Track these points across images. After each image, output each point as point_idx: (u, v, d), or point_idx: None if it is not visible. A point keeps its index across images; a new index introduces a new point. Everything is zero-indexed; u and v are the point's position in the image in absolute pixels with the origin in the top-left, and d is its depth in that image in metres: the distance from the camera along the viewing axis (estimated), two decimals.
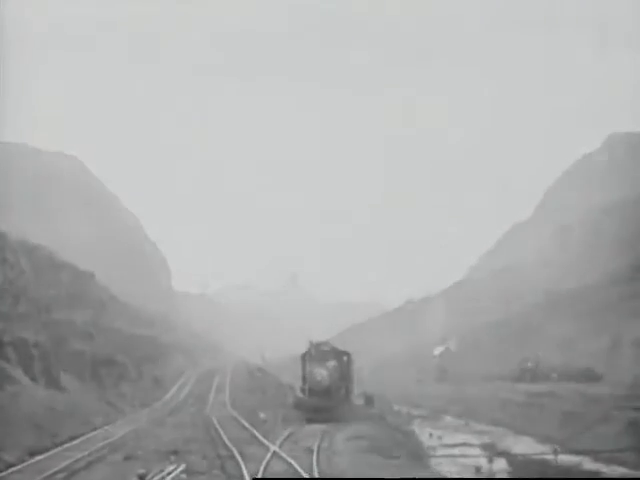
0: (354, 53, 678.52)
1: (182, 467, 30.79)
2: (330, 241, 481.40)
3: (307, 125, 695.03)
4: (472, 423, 64.41)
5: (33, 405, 44.22)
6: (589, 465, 40.67)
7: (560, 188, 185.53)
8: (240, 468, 30.07)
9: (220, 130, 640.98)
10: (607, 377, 72.01)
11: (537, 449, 47.38)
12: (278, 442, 38.67)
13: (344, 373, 56.22)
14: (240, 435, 42.11)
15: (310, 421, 50.58)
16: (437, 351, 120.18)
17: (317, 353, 55.47)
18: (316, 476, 28.52)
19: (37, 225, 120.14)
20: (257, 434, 42.34)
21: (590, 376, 73.14)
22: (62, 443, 38.68)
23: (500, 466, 39.38)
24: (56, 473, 30.00)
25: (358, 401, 65.30)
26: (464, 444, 48.74)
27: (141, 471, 29.17)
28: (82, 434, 42.62)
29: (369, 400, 66.54)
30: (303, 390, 55.77)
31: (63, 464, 31.72)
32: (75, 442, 39.71)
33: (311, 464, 30.95)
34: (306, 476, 28.03)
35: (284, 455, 33.17)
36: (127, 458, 34.27)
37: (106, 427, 47.73)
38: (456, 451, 44.38)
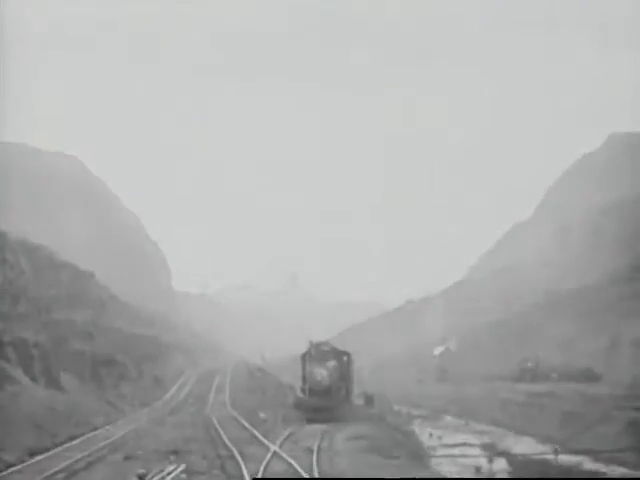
0: (354, 53, 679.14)
1: (182, 467, 30.79)
2: (330, 241, 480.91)
3: (307, 125, 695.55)
4: (472, 423, 64.42)
5: (33, 405, 44.20)
6: (589, 465, 40.68)
7: (560, 188, 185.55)
8: (240, 468, 30.06)
9: (220, 130, 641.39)
10: (606, 377, 72.04)
11: (537, 449, 47.39)
12: (278, 442, 38.66)
13: (344, 373, 56.20)
14: (240, 435, 42.11)
15: (310, 421, 50.57)
16: (437, 351, 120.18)
17: (317, 353, 55.46)
18: (316, 476, 28.53)
19: (37, 225, 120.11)
20: (257, 434, 42.33)
21: (590, 376, 73.16)
22: (62, 443, 38.67)
23: (500, 466, 39.38)
24: (56, 473, 29.99)
25: (358, 401, 65.30)
26: (464, 444, 48.74)
27: (141, 471, 29.17)
28: (82, 434, 42.61)
29: (369, 400, 66.53)
30: (303, 390, 55.77)
31: (63, 464, 31.71)
32: (75, 442, 39.71)
33: (311, 464, 30.93)
34: (306, 476, 28.03)
35: (284, 455, 33.16)
36: (127, 458, 34.26)
37: (106, 427, 47.72)
38: (456, 451, 44.39)
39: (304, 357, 56.19)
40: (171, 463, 32.02)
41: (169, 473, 29.56)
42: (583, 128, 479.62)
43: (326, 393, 53.39)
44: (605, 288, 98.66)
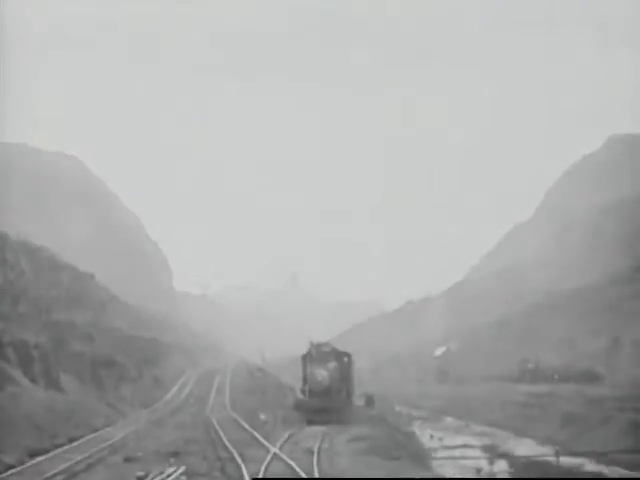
0: (354, 53, 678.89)
1: (182, 469, 30.71)
2: (330, 241, 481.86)
3: (307, 125, 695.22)
4: (473, 424, 64.31)
5: (33, 406, 44.11)
6: (590, 467, 40.60)
7: (560, 189, 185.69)
8: (240, 470, 29.99)
9: (220, 130, 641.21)
10: (607, 378, 71.98)
11: (538, 451, 47.29)
12: (278, 444, 38.58)
13: (345, 374, 56.01)
14: (240, 436, 42.03)
15: (310, 422, 50.47)
16: (437, 352, 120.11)
17: (317, 354, 55.30)
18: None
19: (37, 225, 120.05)
20: (257, 435, 42.25)
21: (591, 377, 73.09)
22: (62, 444, 38.60)
23: (501, 468, 39.32)
24: (56, 475, 29.92)
25: (359, 402, 65.21)
26: (465, 446, 48.66)
27: (140, 473, 29.09)
28: (82, 435, 42.53)
29: (370, 401, 66.43)
30: (303, 391, 55.63)
31: (63, 466, 31.64)
32: (75, 444, 39.64)
33: (312, 466, 30.85)
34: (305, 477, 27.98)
35: (284, 457, 33.09)
36: (127, 459, 34.20)
37: (106, 428, 47.64)
38: (457, 453, 44.32)
39: (304, 358, 56.04)
40: (171, 465, 31.95)
41: (169, 475, 29.47)
42: (583, 128, 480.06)
43: (327, 394, 53.26)
44: (605, 288, 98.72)
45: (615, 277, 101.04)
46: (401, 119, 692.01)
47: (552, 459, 40.53)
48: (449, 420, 70.19)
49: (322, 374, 53.52)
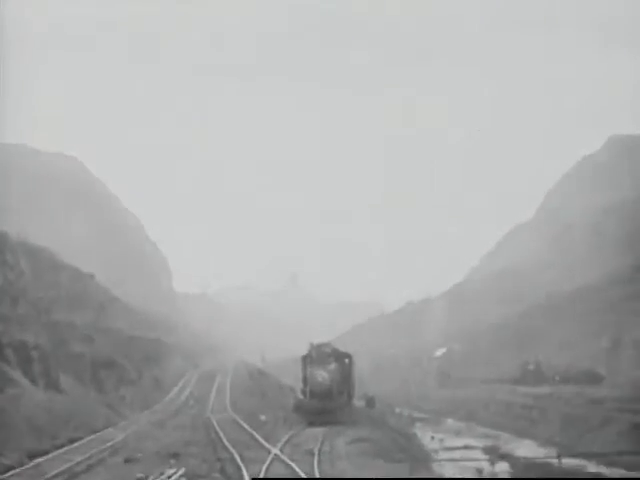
0: (354, 53, 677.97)
1: (182, 470, 30.61)
2: (330, 241, 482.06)
3: (307, 125, 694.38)
4: (474, 426, 64.20)
5: (32, 407, 43.98)
6: (592, 468, 40.49)
7: (560, 189, 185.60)
8: (240, 471, 29.88)
9: (220, 130, 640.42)
10: (608, 379, 71.89)
11: (539, 452, 47.21)
12: (279, 445, 38.48)
13: (345, 375, 55.88)
14: (240, 438, 41.93)
15: (311, 424, 50.36)
16: (438, 353, 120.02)
17: (318, 355, 55.13)
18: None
19: (37, 226, 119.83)
20: (258, 437, 42.14)
21: (591, 378, 72.99)
22: (62, 446, 38.50)
23: (502, 469, 39.21)
24: (56, 476, 29.81)
25: (359, 403, 65.08)
26: (466, 447, 48.53)
27: (140, 475, 29.00)
28: (82, 437, 42.42)
29: (370, 402, 66.36)
30: (304, 392, 55.50)
31: (63, 467, 31.53)
32: (75, 445, 39.54)
33: (312, 468, 30.75)
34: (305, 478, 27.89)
35: (285, 458, 32.98)
36: (127, 461, 34.13)
37: (106, 430, 47.53)
38: (458, 454, 44.18)
39: (305, 359, 55.88)
40: (171, 466, 31.86)
41: (169, 477, 29.37)
42: (583, 129, 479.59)
43: (327, 395, 53.11)
44: (606, 289, 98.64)
45: (615, 277, 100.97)
46: (401, 119, 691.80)
47: (553, 460, 40.40)
48: (450, 422, 70.08)
49: (322, 375, 53.37)
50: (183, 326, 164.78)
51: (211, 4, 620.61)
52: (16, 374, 48.77)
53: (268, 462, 31.82)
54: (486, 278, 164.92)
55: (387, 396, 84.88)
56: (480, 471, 37.49)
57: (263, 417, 54.46)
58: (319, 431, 45.48)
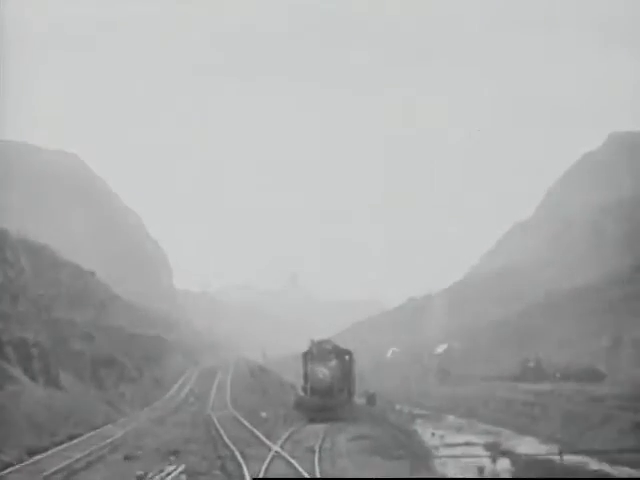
0: (354, 53, 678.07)
1: (182, 468, 30.49)
2: (330, 241, 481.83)
3: (307, 125, 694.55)
4: (474, 423, 64.14)
5: (32, 405, 43.89)
6: (594, 465, 40.43)
7: (560, 188, 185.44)
8: (241, 468, 29.76)
9: (220, 130, 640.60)
10: (608, 377, 71.79)
11: (541, 449, 47.12)
12: (280, 442, 38.36)
13: (346, 372, 55.80)
14: (241, 435, 41.81)
15: (312, 420, 50.26)
16: (438, 349, 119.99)
17: (319, 352, 55.06)
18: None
19: (37, 223, 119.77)
20: (258, 434, 42.03)
21: (592, 375, 72.90)
22: (61, 443, 38.39)
23: (504, 466, 39.13)
24: (55, 473, 29.71)
25: (360, 400, 64.97)
26: (467, 444, 48.45)
27: (140, 472, 28.89)
28: (81, 434, 42.32)
29: (371, 399, 66.27)
30: (305, 389, 55.42)
31: (62, 464, 31.43)
32: (74, 442, 39.43)
33: (313, 465, 30.64)
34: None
35: (286, 455, 32.87)
36: (127, 458, 34.02)
37: (105, 427, 47.44)
38: (459, 451, 44.12)
39: (305, 356, 55.80)
40: (171, 463, 31.74)
41: (169, 474, 29.25)
42: (583, 128, 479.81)
43: (328, 392, 53.01)
44: (605, 288, 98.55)
45: (615, 277, 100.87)
46: (401, 119, 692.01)
47: (554, 457, 40.34)
48: (451, 418, 70.03)
49: (323, 372, 53.30)
50: (184, 324, 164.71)
51: (211, 4, 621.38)
52: (16, 371, 48.67)
53: (269, 459, 31.70)
54: (486, 276, 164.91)
55: (388, 393, 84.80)
56: (481, 469, 37.39)
57: (264, 414, 54.35)
58: (320, 428, 45.36)
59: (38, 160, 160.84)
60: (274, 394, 72.51)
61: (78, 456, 33.69)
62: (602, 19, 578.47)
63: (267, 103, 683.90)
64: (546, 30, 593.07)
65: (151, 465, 31.26)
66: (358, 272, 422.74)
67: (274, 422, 50.31)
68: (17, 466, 31.24)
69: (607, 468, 39.53)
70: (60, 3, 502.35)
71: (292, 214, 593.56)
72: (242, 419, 51.08)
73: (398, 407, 73.89)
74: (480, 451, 43.97)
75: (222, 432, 42.60)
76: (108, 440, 39.77)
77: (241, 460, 31.55)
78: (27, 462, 32.29)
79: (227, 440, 38.52)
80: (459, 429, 60.53)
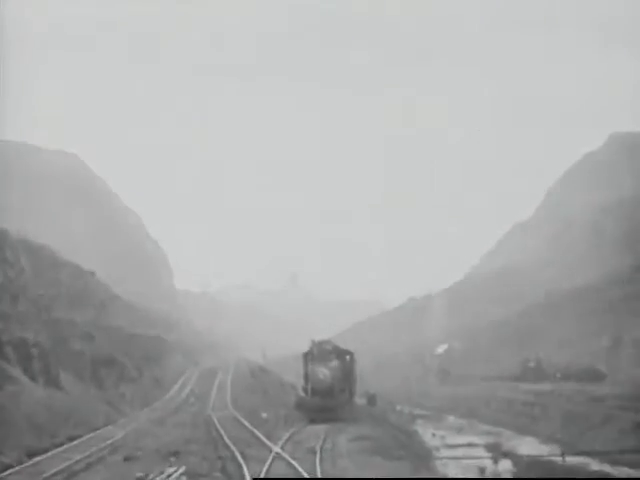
0: (354, 53, 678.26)
1: (182, 469, 30.41)
2: (330, 241, 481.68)
3: (307, 125, 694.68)
4: (475, 423, 64.06)
5: (32, 405, 43.79)
6: (595, 466, 40.36)
7: (561, 188, 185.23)
8: (242, 469, 29.68)
9: (220, 130, 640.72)
10: (608, 377, 71.69)
11: (541, 449, 47.06)
12: (280, 443, 38.28)
13: (347, 372, 55.73)
14: (241, 435, 41.73)
15: (312, 421, 50.18)
16: (439, 350, 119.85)
17: (319, 352, 54.98)
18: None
19: (37, 223, 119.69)
20: (259, 434, 41.95)
21: (592, 375, 72.82)
22: (61, 444, 38.29)
23: (505, 467, 39.06)
24: (55, 474, 29.62)
25: (360, 401, 64.89)
26: (468, 445, 48.39)
27: (140, 474, 28.80)
28: (81, 435, 42.22)
29: (371, 400, 66.18)
30: (305, 389, 55.35)
31: (62, 465, 31.33)
32: (74, 443, 39.34)
33: (314, 466, 30.56)
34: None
35: (286, 456, 32.79)
36: (127, 459, 33.94)
37: (106, 427, 47.35)
38: (460, 452, 44.06)
39: (306, 356, 55.72)
40: (171, 465, 31.65)
41: (169, 475, 29.17)
42: (583, 128, 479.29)
43: (328, 393, 52.94)
44: (606, 288, 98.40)
45: (615, 277, 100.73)
46: (401, 119, 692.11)
47: (556, 458, 40.29)
48: (451, 419, 69.95)
49: (324, 372, 53.22)
50: (184, 324, 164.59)
51: (211, 4, 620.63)
52: (16, 371, 48.58)
53: (269, 460, 31.62)
54: (486, 276, 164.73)
55: (388, 393, 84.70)
56: (483, 469, 37.34)
57: (264, 415, 54.26)
58: (321, 428, 45.31)
59: (38, 160, 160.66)
60: (274, 394, 72.43)
61: (78, 457, 33.62)
62: (602, 19, 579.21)
63: (267, 103, 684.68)
64: (546, 30, 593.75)
65: (151, 466, 31.20)
66: (358, 272, 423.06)
67: (275, 423, 50.23)
68: (17, 468, 31.15)
69: (608, 469, 39.46)
70: (60, 3, 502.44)
71: (292, 214, 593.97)
72: (243, 420, 51.00)
73: (399, 407, 73.83)
74: (481, 452, 43.93)
75: (222, 433, 42.52)
76: (108, 441, 39.68)
77: (242, 461, 31.47)
78: (27, 464, 32.17)
79: (228, 441, 38.44)
80: (460, 430, 60.44)
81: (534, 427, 57.06)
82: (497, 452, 42.04)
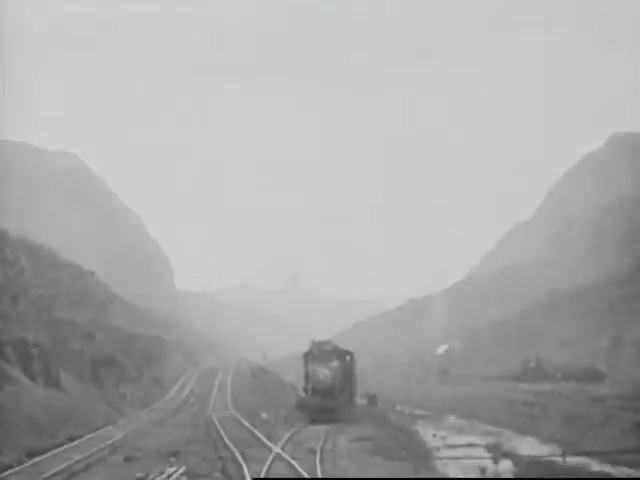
0: (354, 53, 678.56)
1: (182, 469, 30.37)
2: (330, 241, 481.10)
3: (307, 125, 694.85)
4: (475, 423, 64.00)
5: (32, 405, 43.75)
6: (595, 466, 40.31)
7: (561, 188, 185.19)
8: (242, 470, 29.63)
9: (220, 130, 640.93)
10: (609, 377, 71.67)
11: (542, 449, 47.01)
12: (281, 443, 38.23)
13: (347, 373, 55.68)
14: (242, 436, 41.68)
15: (313, 421, 50.13)
16: (439, 350, 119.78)
17: (320, 352, 54.92)
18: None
19: (37, 223, 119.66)
20: (259, 435, 41.91)
21: (593, 375, 72.77)
22: (61, 444, 38.24)
23: (505, 467, 39.02)
24: (55, 475, 29.57)
25: (361, 401, 64.83)
26: (469, 445, 48.34)
27: (140, 474, 28.75)
28: (81, 435, 42.17)
29: (372, 400, 66.09)
30: (305, 390, 55.31)
31: (62, 466, 31.28)
32: (74, 443, 39.29)
33: (314, 466, 30.50)
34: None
35: (287, 457, 32.73)
36: (127, 459, 33.89)
37: (106, 428, 47.30)
38: (460, 452, 44.01)
39: (306, 356, 55.67)
40: (171, 465, 31.61)
41: (169, 475, 29.13)
42: (584, 128, 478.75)
43: (329, 393, 52.89)
44: (606, 288, 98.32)
45: (615, 277, 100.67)
46: (401, 119, 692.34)
47: (556, 458, 40.25)
48: (452, 419, 69.89)
49: (324, 373, 53.17)
50: (184, 324, 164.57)
51: (211, 4, 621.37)
52: (16, 371, 48.54)
53: (270, 461, 31.57)
54: (487, 276, 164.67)
55: (388, 394, 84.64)
56: (483, 470, 37.29)
57: (265, 415, 54.22)
58: (321, 429, 45.25)
59: (38, 160, 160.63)
60: (275, 395, 72.38)
61: (78, 457, 33.57)
62: (602, 19, 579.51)
63: (267, 103, 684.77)
64: (546, 30, 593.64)
65: (151, 467, 31.16)
66: (358, 272, 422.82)
67: (275, 423, 50.19)
68: (17, 468, 31.10)
69: (609, 469, 39.41)
70: (60, 3, 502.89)
71: (292, 214, 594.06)
72: (243, 420, 50.96)
73: (399, 408, 73.75)
74: (482, 452, 43.88)
75: (223, 433, 42.48)
76: (108, 442, 39.63)
77: (242, 461, 31.43)
78: (27, 464, 32.13)
79: (228, 441, 38.40)
80: (460, 430, 60.38)
81: (534, 427, 57.00)
82: (497, 452, 41.99)
